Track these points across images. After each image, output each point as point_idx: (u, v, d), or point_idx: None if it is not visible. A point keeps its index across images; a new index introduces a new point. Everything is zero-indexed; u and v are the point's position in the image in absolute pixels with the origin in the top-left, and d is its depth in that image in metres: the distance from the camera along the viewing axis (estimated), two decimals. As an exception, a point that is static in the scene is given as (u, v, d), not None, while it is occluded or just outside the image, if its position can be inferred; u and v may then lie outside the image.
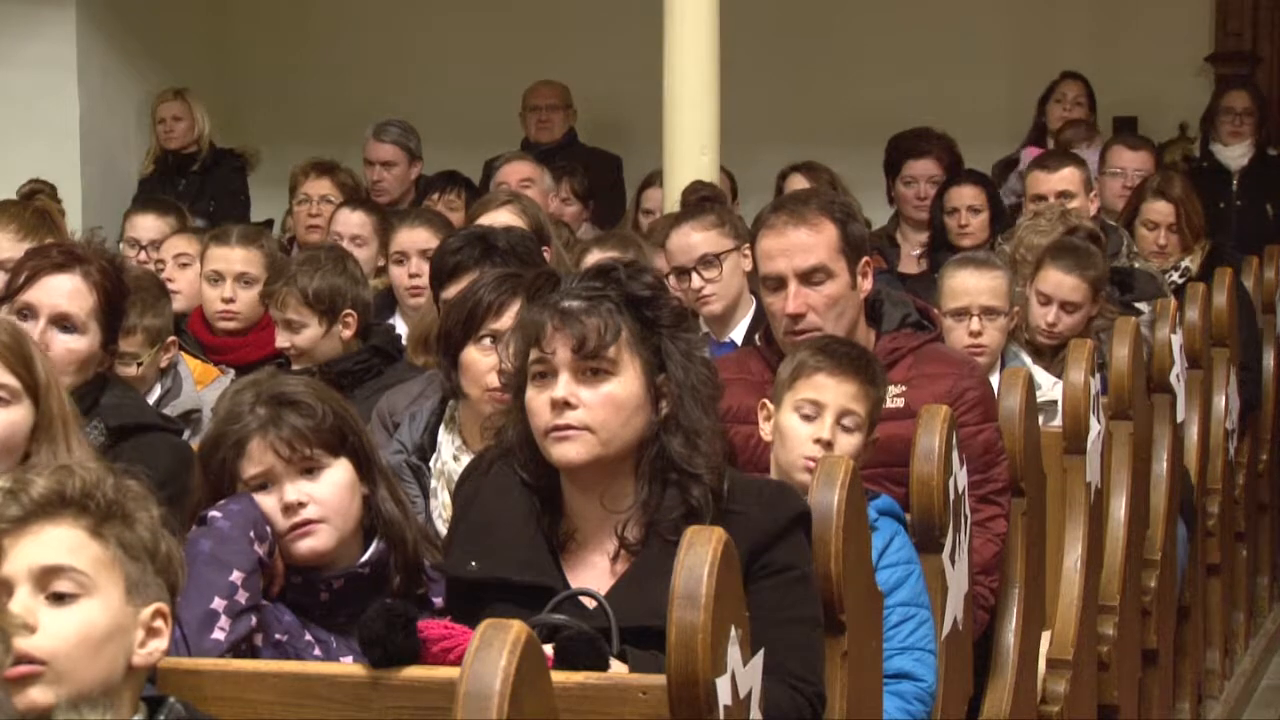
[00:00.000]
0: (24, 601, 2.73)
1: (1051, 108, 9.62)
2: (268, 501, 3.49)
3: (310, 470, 3.50)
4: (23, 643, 2.69)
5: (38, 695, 2.71)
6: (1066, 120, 9.41)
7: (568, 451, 3.46)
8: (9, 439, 3.73)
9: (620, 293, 3.51)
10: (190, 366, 5.66)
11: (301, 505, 3.47)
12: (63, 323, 4.38)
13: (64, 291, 4.40)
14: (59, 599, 2.75)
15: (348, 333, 5.59)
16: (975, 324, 5.59)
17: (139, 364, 5.28)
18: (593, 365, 3.47)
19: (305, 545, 3.49)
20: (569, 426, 3.45)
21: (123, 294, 4.52)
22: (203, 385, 5.60)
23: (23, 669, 2.69)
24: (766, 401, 4.26)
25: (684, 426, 3.49)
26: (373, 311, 5.82)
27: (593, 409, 3.45)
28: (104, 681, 2.75)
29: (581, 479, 3.51)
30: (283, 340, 5.64)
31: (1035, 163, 7.56)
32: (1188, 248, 7.63)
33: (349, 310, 5.60)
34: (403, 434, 4.45)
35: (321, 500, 3.49)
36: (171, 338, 5.42)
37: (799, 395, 4.15)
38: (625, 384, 3.48)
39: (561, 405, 3.45)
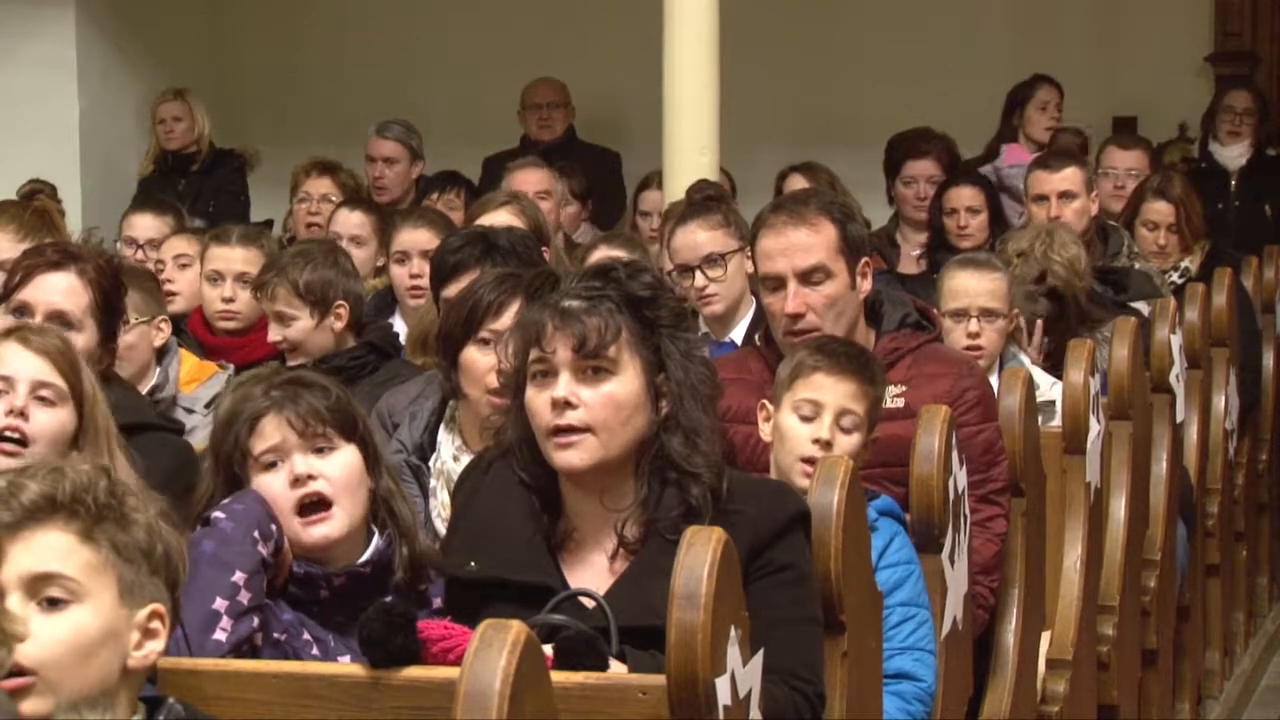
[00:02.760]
0: (15, 609, 2.71)
1: (1034, 114, 9.46)
2: (275, 481, 3.49)
3: (321, 450, 3.51)
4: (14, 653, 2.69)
5: (33, 706, 2.70)
6: (1056, 128, 9.35)
7: (571, 458, 3.47)
8: (55, 439, 3.75)
9: (620, 292, 3.51)
10: (188, 364, 5.63)
11: (311, 478, 3.48)
12: (59, 320, 4.38)
13: (59, 289, 4.41)
14: (50, 605, 2.74)
15: (339, 325, 5.56)
16: (974, 325, 5.58)
17: (126, 323, 5.16)
18: (593, 365, 3.47)
19: (318, 531, 3.49)
20: (570, 428, 3.45)
21: (119, 292, 4.52)
22: (199, 382, 5.58)
23: (14, 681, 2.69)
24: (766, 402, 4.25)
25: (684, 426, 3.50)
26: (365, 304, 5.79)
27: (593, 409, 3.45)
28: (99, 686, 2.74)
29: (581, 479, 3.51)
30: (274, 334, 5.61)
31: (1036, 162, 7.54)
32: (1187, 248, 7.63)
33: (340, 302, 5.56)
34: (402, 434, 4.45)
35: (331, 478, 3.49)
36: (163, 317, 5.35)
37: (798, 395, 4.15)
38: (625, 383, 3.48)
39: (562, 405, 3.45)
